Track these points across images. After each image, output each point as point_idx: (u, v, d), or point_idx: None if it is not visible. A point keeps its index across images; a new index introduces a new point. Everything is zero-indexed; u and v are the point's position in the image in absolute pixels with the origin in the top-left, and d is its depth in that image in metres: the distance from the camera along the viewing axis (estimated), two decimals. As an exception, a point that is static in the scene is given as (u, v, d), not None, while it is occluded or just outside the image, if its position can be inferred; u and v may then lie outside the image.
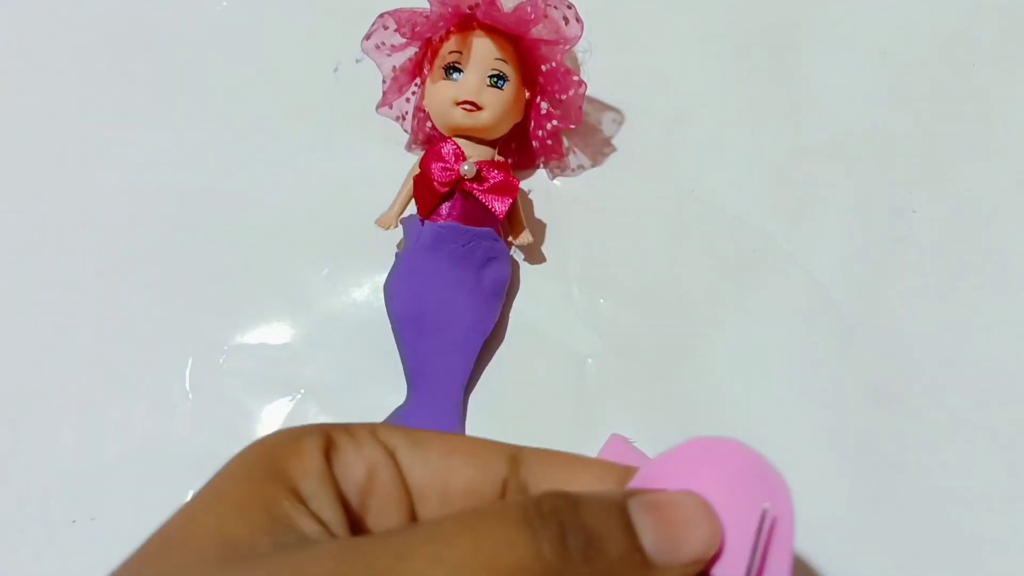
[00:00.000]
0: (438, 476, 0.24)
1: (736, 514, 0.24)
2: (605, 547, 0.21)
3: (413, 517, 0.25)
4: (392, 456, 0.24)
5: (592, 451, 0.37)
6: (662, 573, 0.22)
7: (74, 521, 0.39)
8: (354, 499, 0.23)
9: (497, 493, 0.25)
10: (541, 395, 0.39)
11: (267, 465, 0.22)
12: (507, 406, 0.39)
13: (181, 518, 0.22)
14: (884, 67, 0.45)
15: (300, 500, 0.22)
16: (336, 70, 0.46)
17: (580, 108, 0.40)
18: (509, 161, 0.41)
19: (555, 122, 0.41)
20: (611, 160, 0.44)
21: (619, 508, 0.22)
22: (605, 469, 0.25)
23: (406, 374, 0.39)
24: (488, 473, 0.25)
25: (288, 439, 0.23)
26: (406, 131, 0.43)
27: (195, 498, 0.22)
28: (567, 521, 0.20)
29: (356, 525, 0.23)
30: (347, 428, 0.24)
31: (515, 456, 0.25)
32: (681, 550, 0.22)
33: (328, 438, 0.24)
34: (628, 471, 0.25)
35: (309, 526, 0.21)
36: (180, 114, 0.45)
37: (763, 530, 0.23)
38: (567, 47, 0.39)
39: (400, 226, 0.40)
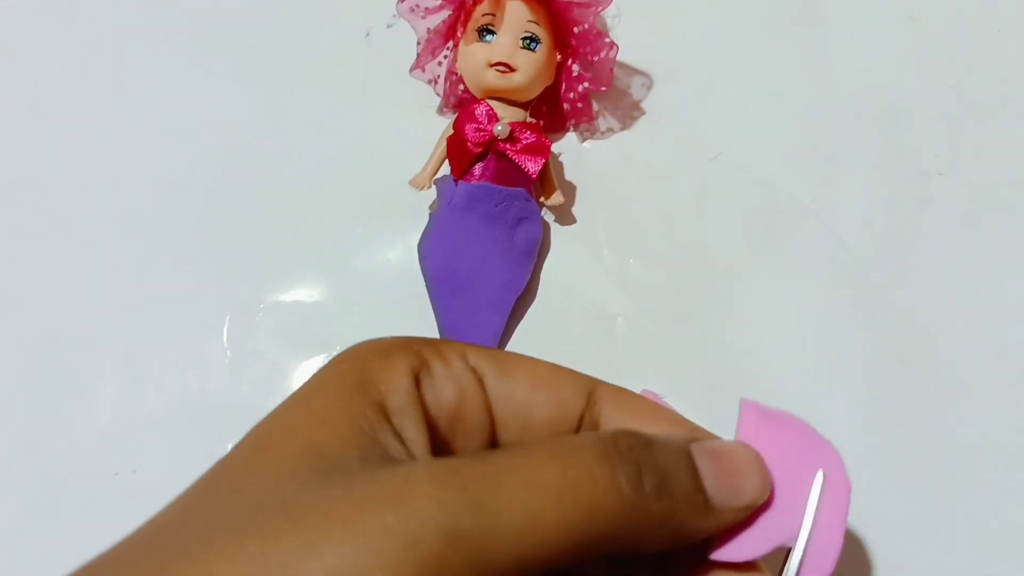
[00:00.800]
0: (521, 407, 0.25)
1: (791, 474, 0.25)
2: (674, 487, 0.22)
3: (493, 442, 0.25)
4: (480, 382, 0.25)
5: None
6: (718, 515, 0.23)
7: (116, 473, 0.40)
8: (442, 422, 0.24)
9: (573, 426, 0.26)
10: (572, 353, 0.40)
11: (356, 378, 0.23)
12: (539, 362, 0.40)
13: (272, 425, 0.22)
14: (911, 31, 0.45)
15: (385, 415, 0.23)
16: (368, 35, 0.47)
17: (611, 70, 0.41)
18: (541, 123, 0.41)
19: (586, 84, 0.42)
20: (640, 123, 0.44)
21: (685, 452, 0.23)
22: (670, 418, 0.26)
23: (440, 331, 0.40)
24: (567, 407, 0.26)
25: (379, 352, 0.24)
26: (438, 94, 0.44)
27: (286, 405, 0.23)
28: (642, 460, 0.22)
29: (438, 446, 0.24)
30: (438, 349, 0.25)
31: (592, 392, 0.26)
32: (736, 496, 0.24)
33: (420, 357, 0.24)
34: (692, 427, 0.26)
35: (392, 443, 0.22)
36: (216, 79, 0.46)
37: (815, 492, 0.25)
38: (599, 9, 0.39)
39: (433, 186, 0.41)
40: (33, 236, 0.44)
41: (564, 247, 0.42)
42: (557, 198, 0.41)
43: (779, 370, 0.40)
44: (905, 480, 0.37)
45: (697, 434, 0.26)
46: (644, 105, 0.44)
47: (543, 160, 0.39)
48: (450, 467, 0.20)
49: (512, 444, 0.25)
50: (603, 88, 0.41)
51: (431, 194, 0.41)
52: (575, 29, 0.40)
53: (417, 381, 0.24)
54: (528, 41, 0.39)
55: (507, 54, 0.39)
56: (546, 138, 0.40)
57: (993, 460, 0.38)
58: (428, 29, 0.41)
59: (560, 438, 0.23)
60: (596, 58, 0.40)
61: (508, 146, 0.39)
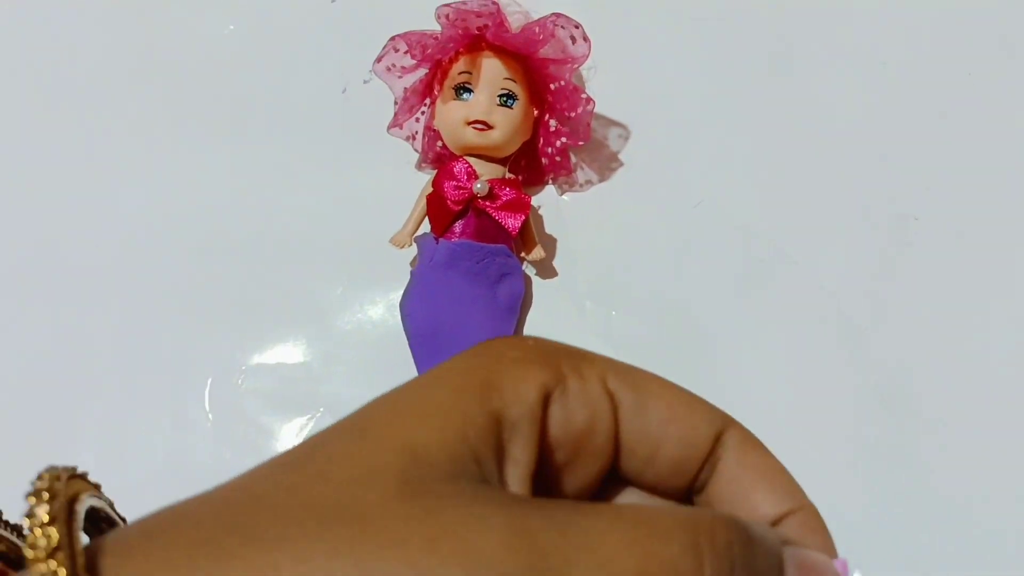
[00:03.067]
0: (652, 441, 0.24)
1: None
2: None
3: (606, 468, 0.24)
4: (615, 410, 0.24)
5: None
6: None
7: (99, 543, 0.39)
8: (565, 445, 0.23)
9: (698, 466, 0.25)
10: (557, 407, 0.40)
11: (480, 378, 0.22)
12: (524, 419, 0.40)
13: (382, 409, 0.21)
14: (883, 77, 0.46)
15: (498, 426, 0.21)
16: (345, 91, 0.47)
17: (588, 125, 0.41)
18: (519, 178, 0.42)
19: (564, 139, 0.42)
20: (618, 175, 0.44)
21: (779, 558, 0.22)
22: (788, 491, 0.25)
23: (424, 390, 0.39)
24: (697, 447, 0.24)
25: (513, 357, 0.22)
26: (416, 150, 0.44)
27: (403, 389, 0.21)
28: (737, 559, 0.20)
29: (553, 468, 0.23)
30: (578, 365, 0.23)
31: (721, 433, 0.25)
32: None
33: (557, 372, 0.23)
34: (804, 507, 0.26)
35: (490, 464, 0.21)
36: (193, 137, 0.46)
37: None
38: (575, 66, 0.40)
39: (414, 244, 0.41)
40: (10, 299, 0.43)
41: (547, 300, 0.42)
42: (538, 253, 0.41)
43: (764, 415, 0.39)
44: (890, 521, 0.38)
45: (801, 514, 0.24)
46: (622, 156, 0.45)
47: (523, 216, 0.39)
48: (528, 519, 0.19)
49: (603, 506, 0.23)
50: (581, 143, 0.42)
51: (411, 251, 0.41)
52: (552, 85, 0.40)
53: (547, 398, 0.22)
54: (505, 98, 0.40)
55: (484, 112, 0.39)
56: (525, 194, 0.40)
57: (977, 501, 0.38)
58: (405, 88, 0.41)
59: (652, 513, 0.21)
60: (573, 113, 0.41)
61: (488, 203, 0.39)
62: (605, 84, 0.43)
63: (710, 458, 0.25)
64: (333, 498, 0.19)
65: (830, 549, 0.25)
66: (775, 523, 0.24)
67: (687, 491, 0.25)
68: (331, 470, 0.20)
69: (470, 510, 0.19)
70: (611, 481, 0.25)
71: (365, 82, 0.47)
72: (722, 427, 0.25)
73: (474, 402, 0.21)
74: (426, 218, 0.41)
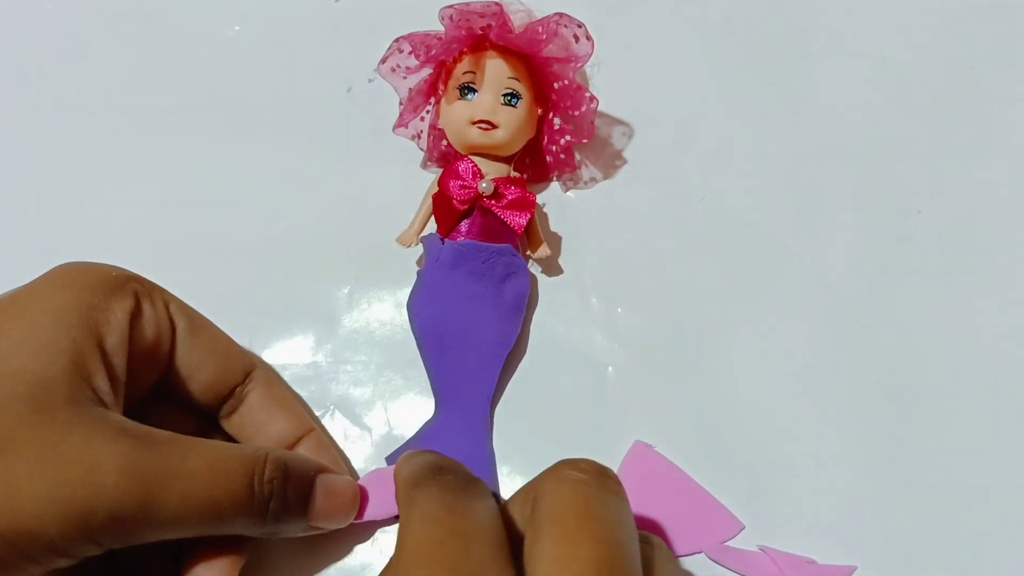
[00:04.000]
0: (193, 364, 0.31)
1: None
2: (289, 516, 0.30)
3: (158, 380, 0.31)
4: (173, 332, 0.31)
5: (617, 458, 0.38)
6: (308, 531, 0.32)
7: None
8: (135, 357, 0.29)
9: (226, 391, 0.33)
10: (565, 404, 0.40)
11: (82, 307, 0.27)
12: (532, 416, 0.40)
13: (3, 357, 0.26)
14: (885, 72, 0.46)
15: (102, 353, 0.27)
16: (349, 91, 0.47)
17: (592, 123, 0.41)
18: (525, 176, 0.42)
19: (568, 137, 0.42)
20: (622, 172, 0.45)
21: (310, 482, 0.31)
22: (298, 414, 0.35)
23: (433, 389, 0.40)
24: (228, 377, 0.33)
25: (105, 285, 0.28)
26: (421, 149, 0.44)
27: (7, 316, 0.27)
28: (276, 491, 0.29)
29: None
30: (150, 292, 0.30)
31: (249, 372, 0.33)
32: (329, 523, 0.32)
33: (136, 298, 0.29)
34: (309, 427, 0.35)
35: (102, 384, 0.27)
36: (199, 137, 0.46)
37: None
38: (579, 64, 0.40)
39: (420, 244, 0.41)
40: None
41: (552, 298, 0.42)
42: (544, 251, 0.41)
43: (768, 411, 0.40)
44: (894, 517, 0.38)
45: (312, 436, 0.34)
46: (626, 154, 0.45)
47: (528, 215, 0.40)
48: (136, 458, 0.26)
49: (193, 441, 0.29)
50: (585, 140, 0.42)
51: (418, 250, 0.42)
52: (555, 84, 0.41)
53: (132, 321, 0.28)
54: (509, 97, 0.40)
55: (489, 111, 0.40)
56: (530, 193, 0.40)
57: (981, 496, 0.38)
58: (410, 88, 0.41)
59: (226, 452, 0.28)
60: (577, 112, 0.41)
61: (493, 202, 0.40)
62: (608, 82, 0.44)
63: (237, 390, 0.33)
64: None
65: (337, 464, 0.34)
66: (293, 445, 0.33)
67: (215, 412, 0.33)
68: None
69: (91, 434, 0.25)
70: (155, 394, 0.31)
71: (370, 81, 0.47)
72: (251, 366, 0.33)
73: (79, 334, 0.26)
74: (432, 217, 0.41)
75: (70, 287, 0.28)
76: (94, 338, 0.27)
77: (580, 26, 0.39)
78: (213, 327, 0.33)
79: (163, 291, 0.31)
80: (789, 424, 0.40)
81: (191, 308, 0.32)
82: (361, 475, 0.38)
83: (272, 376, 0.34)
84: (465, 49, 0.40)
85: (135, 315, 0.29)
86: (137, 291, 0.30)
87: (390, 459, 0.39)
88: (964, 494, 0.38)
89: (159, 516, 0.26)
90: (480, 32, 0.39)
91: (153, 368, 0.31)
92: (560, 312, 0.42)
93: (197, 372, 0.32)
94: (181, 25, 0.49)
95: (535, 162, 0.44)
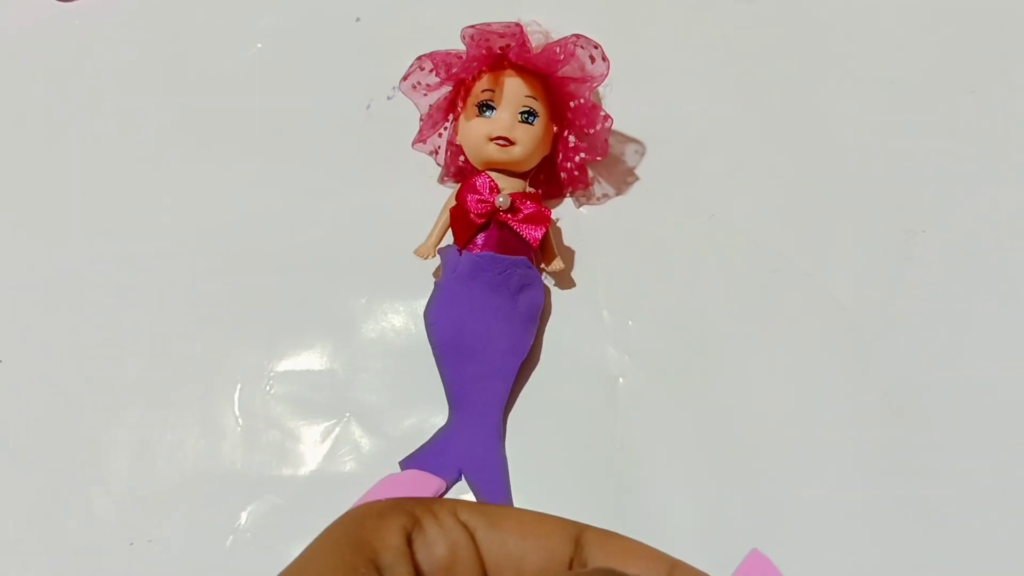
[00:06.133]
0: (513, 557, 0.27)
1: None
2: None
3: None
4: (472, 536, 0.27)
5: (625, 468, 0.39)
6: None
7: (131, 543, 0.40)
8: (435, 570, 0.26)
9: (564, 570, 0.28)
10: (575, 414, 0.41)
11: (351, 538, 0.25)
12: (544, 426, 0.41)
13: None
14: (890, 95, 0.47)
15: (377, 571, 0.25)
16: (369, 107, 0.48)
17: (606, 141, 0.43)
18: (540, 192, 0.43)
19: (583, 155, 0.43)
20: (634, 188, 0.46)
21: None
22: (654, 559, 0.28)
23: (447, 397, 0.41)
24: (557, 553, 0.28)
25: (374, 514, 0.26)
26: (439, 164, 0.46)
27: (288, 570, 0.25)
28: None
29: None
30: (430, 507, 0.27)
31: (579, 537, 0.28)
32: None
33: (412, 517, 0.26)
34: (673, 563, 0.28)
35: None
36: (222, 152, 0.48)
37: None
38: (594, 84, 0.41)
39: (438, 255, 0.42)
40: (46, 310, 0.45)
41: (565, 311, 0.43)
42: (557, 264, 0.42)
43: (775, 425, 0.41)
44: (900, 531, 0.39)
45: (676, 570, 0.28)
46: (638, 171, 0.46)
47: (544, 229, 0.41)
48: None
49: None
50: (599, 158, 0.43)
51: (435, 262, 0.43)
52: (571, 103, 0.42)
53: (409, 540, 0.26)
54: (526, 115, 0.41)
55: (506, 128, 0.41)
56: (546, 208, 0.41)
57: (986, 510, 0.39)
58: (430, 105, 0.43)
59: None
60: (592, 130, 0.42)
61: (509, 216, 0.41)
62: (621, 101, 0.45)
63: (577, 559, 0.28)
64: None
65: None
66: None
67: None
68: None
69: None
70: None
71: (389, 99, 0.48)
72: (578, 531, 0.28)
73: (352, 557, 0.24)
74: (449, 230, 0.42)
75: (342, 524, 0.28)
76: (367, 559, 0.25)
77: (596, 47, 0.40)
78: (519, 511, 0.29)
79: (449, 501, 0.29)
80: (796, 436, 0.41)
81: (489, 505, 0.29)
82: (375, 481, 0.39)
83: (607, 532, 0.30)
84: (484, 68, 0.41)
85: (414, 531, 0.26)
86: (413, 510, 0.27)
87: (404, 464, 0.40)
88: (969, 507, 0.39)
89: None
90: (499, 51, 0.40)
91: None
92: (573, 324, 0.43)
93: (523, 563, 0.28)
94: (205, 43, 0.51)
95: (549, 178, 0.45)
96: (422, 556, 0.26)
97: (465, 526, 0.27)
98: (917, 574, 0.38)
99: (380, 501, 0.27)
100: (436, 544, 0.26)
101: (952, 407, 0.41)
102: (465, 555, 0.27)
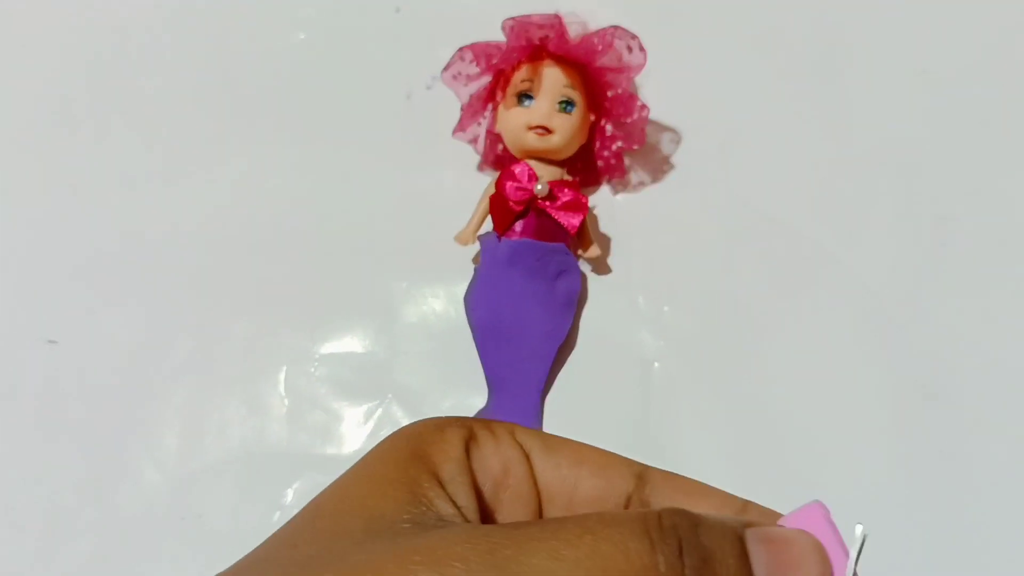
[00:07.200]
0: (567, 482, 0.26)
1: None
2: (718, 570, 0.21)
3: (539, 516, 0.26)
4: (526, 457, 0.26)
5: (661, 450, 0.40)
6: None
7: (183, 518, 0.42)
8: (488, 491, 0.25)
9: (621, 507, 0.26)
10: (612, 397, 0.42)
11: (412, 449, 0.25)
12: (581, 408, 0.42)
13: (332, 491, 0.24)
14: (924, 83, 0.48)
15: (439, 483, 0.24)
16: (409, 97, 0.49)
17: (643, 130, 0.43)
18: (577, 180, 0.44)
19: (619, 143, 0.44)
20: (670, 176, 0.47)
21: (736, 535, 0.22)
22: (725, 498, 0.26)
23: (487, 379, 0.42)
24: (614, 486, 0.26)
25: (433, 427, 0.26)
26: (478, 152, 0.47)
27: (346, 474, 0.25)
28: (686, 538, 0.21)
29: (486, 515, 0.25)
30: (488, 424, 0.26)
31: (641, 474, 0.26)
32: None
33: (470, 431, 0.26)
34: (747, 504, 0.26)
35: (445, 508, 0.24)
36: (265, 140, 0.49)
37: None
38: (632, 74, 0.42)
39: (477, 242, 0.43)
40: (99, 294, 0.46)
41: (602, 297, 0.44)
42: (594, 251, 0.43)
43: (809, 410, 0.42)
44: (934, 514, 0.39)
45: (754, 517, 0.25)
46: (673, 159, 0.47)
47: (581, 216, 0.42)
48: (485, 531, 0.21)
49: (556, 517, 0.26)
50: (636, 147, 0.44)
51: (475, 248, 0.44)
52: (608, 93, 0.43)
53: (468, 452, 0.25)
54: (565, 104, 0.42)
55: (545, 117, 0.42)
56: (583, 195, 0.42)
57: (1020, 493, 0.40)
58: (470, 95, 0.44)
59: (599, 513, 0.22)
60: (628, 119, 0.43)
61: (548, 204, 0.42)
62: (657, 90, 0.46)
63: (637, 496, 0.26)
64: (305, 554, 0.22)
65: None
66: None
67: None
68: (298, 539, 0.23)
69: (434, 533, 0.21)
70: None
71: (428, 88, 0.49)
72: (640, 468, 0.26)
73: (412, 469, 0.24)
74: (488, 217, 0.43)
75: (403, 435, 0.27)
76: (429, 471, 0.24)
77: (634, 38, 0.41)
78: (579, 443, 0.27)
79: (507, 424, 0.28)
80: (829, 421, 0.41)
81: (546, 433, 0.27)
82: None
83: (672, 474, 0.28)
84: (523, 58, 0.42)
85: (471, 444, 0.26)
86: (471, 425, 0.26)
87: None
88: (1005, 491, 0.40)
89: None
90: (539, 42, 0.41)
91: (518, 496, 0.27)
92: (609, 309, 0.44)
93: (577, 490, 0.26)
94: (249, 32, 0.52)
95: (587, 166, 0.46)
96: (477, 468, 0.25)
97: (521, 446, 0.26)
98: (953, 560, 0.38)
99: (440, 417, 0.27)
100: (491, 459, 0.26)
101: (985, 393, 0.41)
102: (518, 472, 0.26)
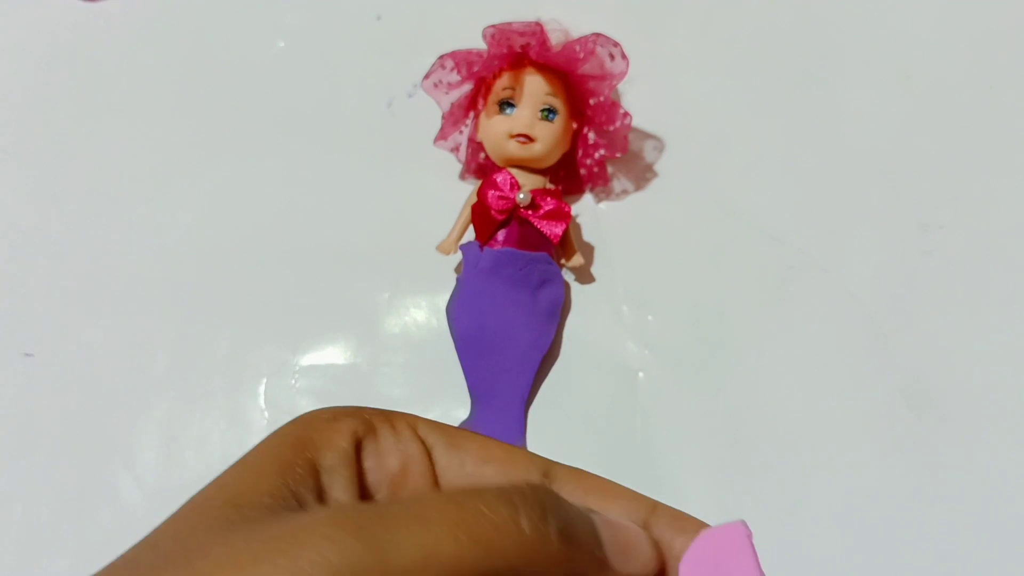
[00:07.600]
0: (470, 480, 0.26)
1: None
2: (578, 534, 0.22)
3: None
4: (428, 453, 0.25)
5: (645, 461, 0.40)
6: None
7: (161, 534, 0.41)
8: (383, 488, 0.25)
9: None
10: (596, 407, 0.42)
11: (297, 436, 0.24)
12: (565, 418, 0.42)
13: (211, 483, 0.23)
14: (907, 91, 0.48)
15: (315, 472, 0.23)
16: (390, 105, 0.49)
17: (626, 138, 0.43)
18: (560, 188, 0.44)
19: (602, 151, 0.44)
20: (653, 184, 0.46)
21: (588, 515, 0.23)
22: (634, 497, 0.26)
23: (470, 390, 0.42)
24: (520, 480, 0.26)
25: (327, 416, 0.25)
26: (460, 161, 0.46)
27: (230, 466, 0.24)
28: (549, 506, 0.21)
29: None
30: (389, 417, 0.26)
31: (548, 472, 0.26)
32: (629, 561, 0.24)
33: (368, 424, 0.25)
34: (657, 505, 0.26)
35: (310, 498, 0.23)
36: (245, 150, 0.48)
37: None
38: (614, 82, 0.42)
39: (459, 251, 0.43)
40: (76, 306, 0.45)
41: (585, 306, 0.44)
42: (577, 260, 0.43)
43: (794, 419, 0.41)
44: (918, 522, 0.39)
45: (665, 518, 0.26)
46: (657, 167, 0.47)
47: (564, 225, 0.42)
48: (348, 509, 0.21)
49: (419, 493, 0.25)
50: (618, 154, 0.44)
51: (457, 258, 0.43)
52: (591, 100, 0.42)
53: (359, 446, 0.25)
54: (546, 112, 0.42)
55: (527, 125, 0.41)
56: (566, 204, 0.42)
57: (1002, 503, 0.39)
58: (451, 103, 0.43)
59: (467, 487, 0.23)
60: (611, 127, 0.43)
61: (530, 213, 0.41)
62: (640, 98, 0.46)
63: None
64: (163, 553, 0.21)
65: (697, 528, 0.25)
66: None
67: None
68: (160, 537, 0.22)
69: (294, 517, 0.21)
70: None
71: (410, 96, 0.49)
72: (547, 466, 0.26)
73: (288, 456, 0.23)
74: (470, 226, 0.43)
75: (291, 424, 0.26)
76: (306, 459, 0.23)
77: (616, 45, 0.41)
78: (485, 438, 0.27)
79: (410, 416, 0.26)
80: (814, 430, 0.41)
81: (449, 426, 0.27)
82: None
83: (578, 471, 0.27)
84: (505, 66, 0.42)
85: (366, 438, 0.25)
86: (371, 418, 0.25)
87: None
88: (986, 502, 0.39)
89: (400, 562, 0.20)
90: (520, 50, 0.41)
91: (416, 493, 0.26)
92: (592, 319, 0.44)
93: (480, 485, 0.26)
94: (228, 41, 0.51)
95: (569, 174, 0.45)
96: (370, 464, 0.24)
97: (423, 441, 0.25)
98: (935, 568, 0.38)
99: (337, 407, 0.26)
100: (388, 455, 0.25)
101: (969, 401, 0.41)
102: (418, 471, 0.25)
